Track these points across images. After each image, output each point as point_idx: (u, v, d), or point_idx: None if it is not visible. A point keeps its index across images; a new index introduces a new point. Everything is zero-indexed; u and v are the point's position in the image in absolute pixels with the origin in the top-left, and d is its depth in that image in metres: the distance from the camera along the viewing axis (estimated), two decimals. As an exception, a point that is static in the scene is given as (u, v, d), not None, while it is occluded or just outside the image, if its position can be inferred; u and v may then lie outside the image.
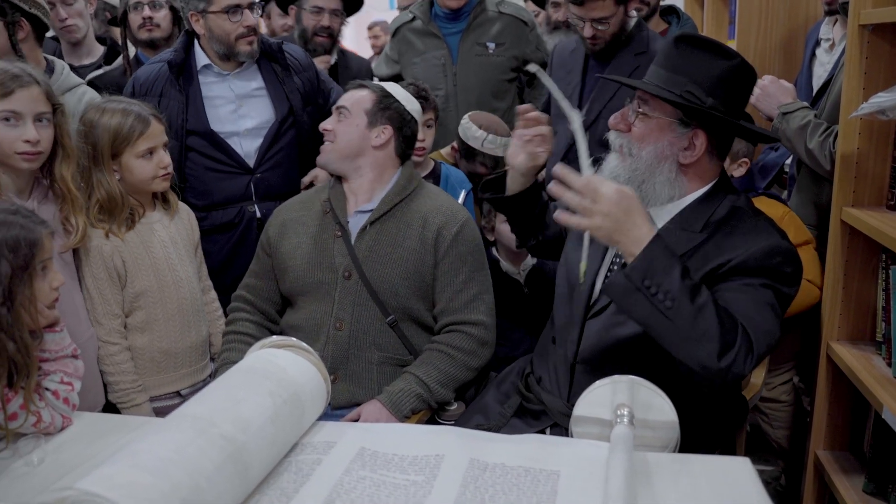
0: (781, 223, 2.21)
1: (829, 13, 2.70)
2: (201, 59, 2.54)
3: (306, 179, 2.64)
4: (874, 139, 1.98)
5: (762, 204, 2.30)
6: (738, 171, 2.36)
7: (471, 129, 2.73)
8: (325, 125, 2.18)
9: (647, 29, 2.66)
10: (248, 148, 2.56)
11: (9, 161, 1.83)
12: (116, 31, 3.84)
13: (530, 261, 2.61)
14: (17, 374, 1.47)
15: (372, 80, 3.31)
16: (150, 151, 2.01)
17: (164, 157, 2.04)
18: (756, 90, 2.37)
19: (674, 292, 1.45)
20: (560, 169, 1.51)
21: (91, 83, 3.00)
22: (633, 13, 2.62)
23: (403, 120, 2.17)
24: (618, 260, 1.75)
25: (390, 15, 4.22)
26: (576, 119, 1.60)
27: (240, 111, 2.55)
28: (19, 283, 1.46)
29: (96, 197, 1.97)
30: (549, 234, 2.06)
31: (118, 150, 1.97)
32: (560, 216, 1.54)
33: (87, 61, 3.32)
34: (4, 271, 1.44)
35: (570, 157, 2.56)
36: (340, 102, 2.18)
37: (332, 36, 3.16)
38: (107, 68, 3.23)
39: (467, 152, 2.79)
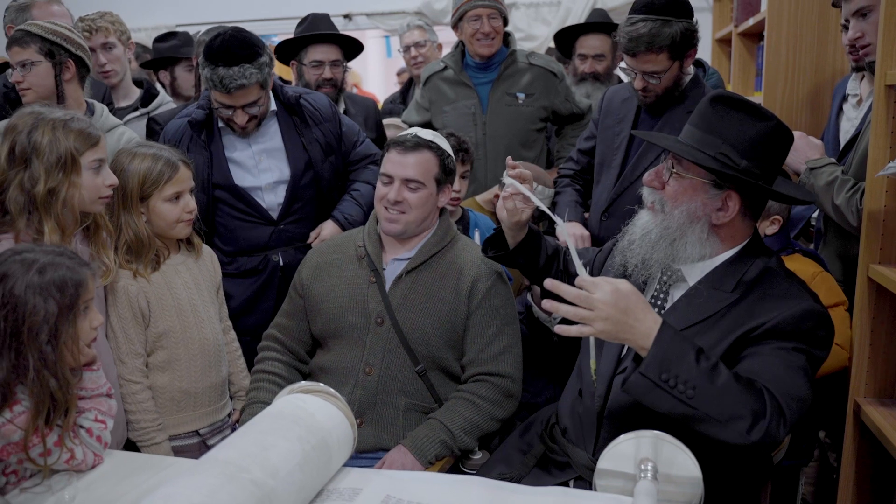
0: (812, 283, 2.20)
1: (857, 69, 2.71)
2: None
3: (313, 235, 2.64)
4: (901, 197, 1.98)
5: (796, 262, 2.29)
6: (770, 228, 2.33)
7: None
8: (394, 196, 2.09)
9: (704, 86, 2.60)
10: (270, 201, 2.60)
11: (92, 207, 1.90)
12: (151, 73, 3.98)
13: None
14: (54, 411, 1.51)
15: (378, 119, 3.37)
16: (177, 196, 2.06)
17: (190, 202, 2.09)
18: None
19: (693, 380, 1.44)
20: (550, 282, 1.51)
21: (153, 119, 3.09)
22: (691, 69, 2.57)
23: (453, 175, 2.22)
24: None
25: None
26: (561, 227, 1.62)
27: (260, 166, 2.59)
28: (64, 322, 1.52)
29: (124, 238, 2.02)
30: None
31: (146, 194, 2.03)
32: (561, 329, 1.51)
33: (123, 104, 3.42)
34: (52, 311, 1.49)
35: (611, 211, 2.60)
36: (410, 174, 2.09)
37: (336, 86, 3.19)
38: (139, 110, 3.33)
39: None
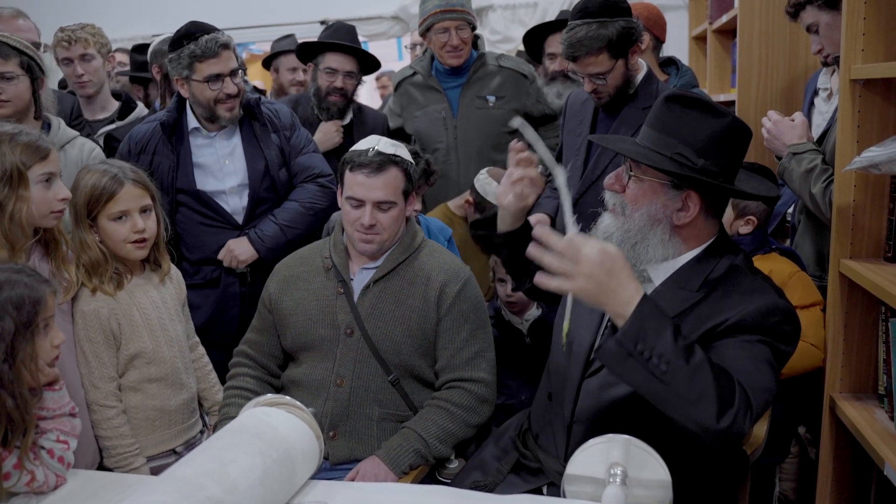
0: (789, 282, 2.20)
1: (826, 64, 2.72)
2: (192, 121, 2.62)
3: (222, 252, 2.60)
4: (870, 192, 1.97)
5: (773, 261, 2.28)
6: (744, 228, 2.33)
7: (491, 184, 2.77)
8: (368, 221, 2.04)
9: (658, 82, 2.62)
10: (234, 205, 2.62)
11: (42, 222, 1.86)
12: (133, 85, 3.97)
13: (535, 311, 2.61)
14: (12, 432, 1.48)
15: (386, 134, 3.35)
16: (123, 215, 1.97)
17: (138, 222, 1.98)
18: (764, 132, 2.37)
19: (668, 355, 1.41)
20: (540, 230, 1.48)
21: (110, 135, 3.08)
22: (642, 66, 2.60)
23: (417, 181, 2.20)
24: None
25: (399, 66, 4.31)
26: (560, 175, 1.56)
27: (225, 170, 2.61)
28: (22, 340, 1.49)
29: (82, 259, 1.96)
30: None
31: (92, 211, 1.96)
32: (540, 279, 1.47)
33: (101, 116, 3.42)
34: (8, 328, 1.47)
35: (576, 211, 2.56)
36: (380, 196, 2.04)
37: (346, 96, 3.18)
38: (120, 123, 3.31)
39: (484, 207, 2.82)
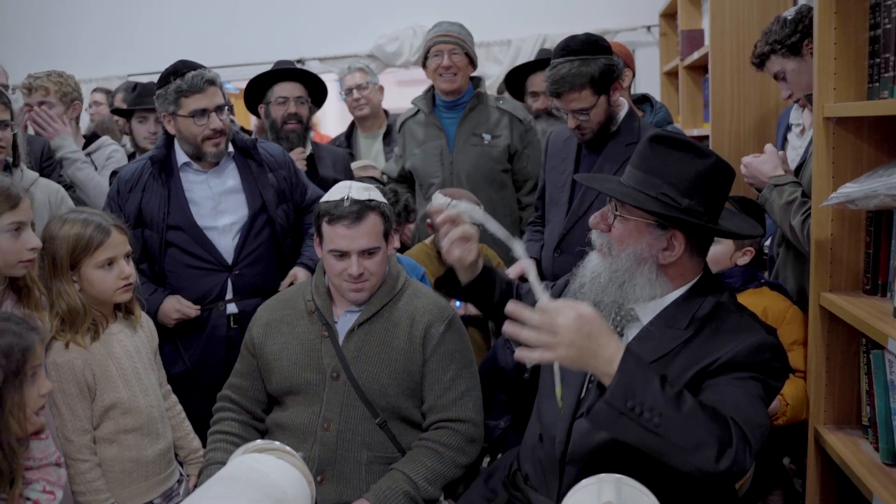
0: (785, 318, 2.22)
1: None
2: (181, 156, 2.61)
3: (286, 282, 2.63)
4: (846, 226, 2.02)
5: (767, 297, 2.30)
6: (742, 259, 2.33)
7: (437, 197, 2.75)
8: (356, 271, 2.04)
9: (639, 119, 2.68)
10: (225, 245, 2.58)
11: (10, 272, 1.83)
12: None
13: None
14: (-1, 482, 1.45)
15: (349, 169, 3.38)
16: (110, 262, 1.96)
17: (125, 268, 1.98)
18: (744, 176, 2.41)
19: (659, 407, 1.41)
20: (512, 307, 1.48)
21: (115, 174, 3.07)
22: (623, 103, 2.65)
23: (395, 219, 2.20)
24: None
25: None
26: (518, 248, 1.56)
27: (218, 207, 2.59)
28: (10, 389, 1.47)
29: (56, 309, 1.92)
30: None
31: (76, 261, 1.93)
32: (521, 354, 1.47)
33: None
34: None
35: (563, 247, 2.64)
36: (364, 245, 2.04)
37: (302, 122, 3.23)
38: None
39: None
